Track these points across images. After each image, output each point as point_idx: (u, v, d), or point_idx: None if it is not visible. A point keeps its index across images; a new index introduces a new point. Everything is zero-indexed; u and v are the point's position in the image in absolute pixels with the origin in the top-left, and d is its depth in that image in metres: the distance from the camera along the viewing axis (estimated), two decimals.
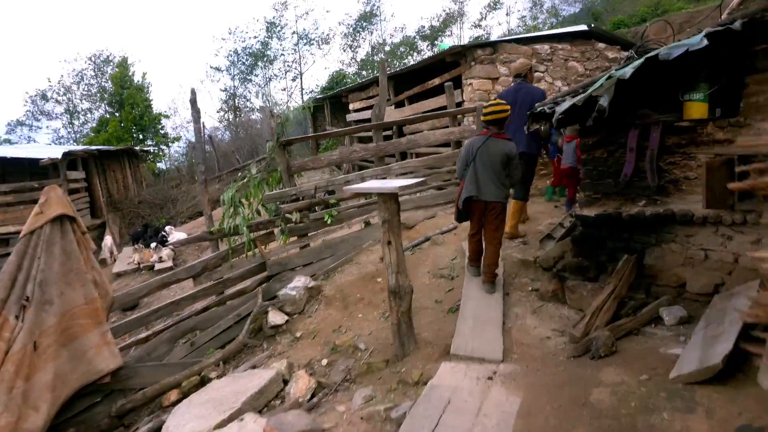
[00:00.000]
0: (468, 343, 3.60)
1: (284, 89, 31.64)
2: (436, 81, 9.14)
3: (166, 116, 27.23)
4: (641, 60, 3.41)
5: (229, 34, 31.57)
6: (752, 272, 3.45)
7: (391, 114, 11.87)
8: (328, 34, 30.51)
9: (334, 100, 17.96)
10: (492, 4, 27.50)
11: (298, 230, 5.58)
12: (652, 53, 3.38)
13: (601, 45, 8.47)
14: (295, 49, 30.13)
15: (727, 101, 3.56)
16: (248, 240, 5.11)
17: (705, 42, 3.06)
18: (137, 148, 21.74)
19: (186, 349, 4.99)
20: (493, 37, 20.64)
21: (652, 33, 5.10)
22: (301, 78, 30.64)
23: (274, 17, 29.39)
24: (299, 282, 5.19)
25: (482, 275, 4.26)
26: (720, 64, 3.50)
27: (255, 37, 29.68)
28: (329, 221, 5.62)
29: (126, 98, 24.82)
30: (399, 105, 11.64)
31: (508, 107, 4.07)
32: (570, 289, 4.05)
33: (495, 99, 4.24)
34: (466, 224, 4.48)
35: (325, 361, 4.20)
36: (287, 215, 5.32)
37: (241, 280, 5.27)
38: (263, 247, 5.42)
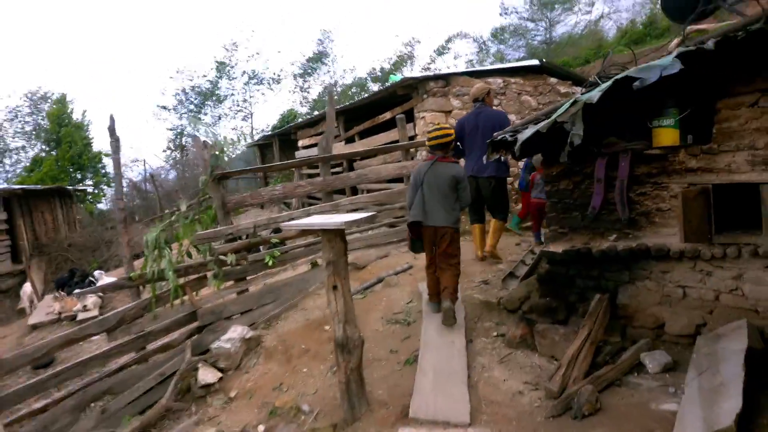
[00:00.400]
0: (429, 403, 3.10)
1: (234, 128, 31.17)
2: (387, 115, 8.90)
3: (107, 155, 25.99)
4: (609, 83, 3.15)
5: (177, 73, 31.05)
6: (735, 311, 3.18)
7: (341, 150, 11.54)
8: (279, 75, 30.56)
9: (283, 137, 17.53)
10: (440, 49, 28.30)
11: (234, 274, 4.99)
12: (622, 74, 3.13)
13: (553, 80, 8.51)
14: (245, 89, 30.12)
15: (699, 127, 3.36)
16: (175, 286, 4.46)
17: (678, 65, 2.84)
18: (71, 187, 20.41)
19: (96, 418, 4.22)
20: None
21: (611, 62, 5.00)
22: (251, 118, 30.31)
23: (224, 57, 29.32)
24: (235, 332, 4.56)
25: (441, 299, 4.00)
26: (690, 87, 3.30)
27: (204, 76, 29.41)
28: (271, 263, 5.07)
29: (63, 136, 23.63)
30: (349, 141, 11.34)
31: (452, 131, 4.04)
32: (540, 333, 3.66)
33: (438, 123, 4.27)
34: (423, 263, 4.28)
35: (262, 428, 3.59)
36: (221, 257, 4.72)
37: (167, 333, 4.60)
38: (194, 293, 4.78)
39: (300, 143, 14.89)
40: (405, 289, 5.18)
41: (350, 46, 50.66)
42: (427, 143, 4.14)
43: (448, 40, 28.49)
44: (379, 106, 9.30)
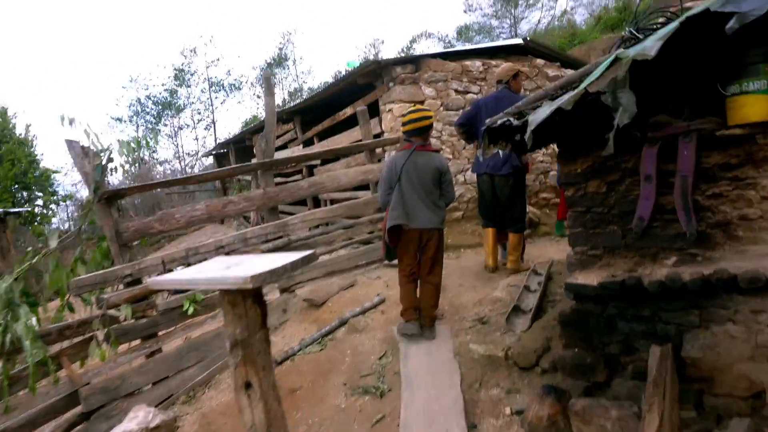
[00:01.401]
0: None
1: (196, 138, 29.95)
2: (349, 111, 7.70)
3: (56, 172, 24.35)
4: (674, 25, 2.02)
5: (131, 81, 29.66)
6: None
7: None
8: (239, 81, 29.77)
9: (238, 144, 16.13)
10: (405, 49, 27.65)
11: (138, 330, 3.69)
12: (698, 8, 1.99)
13: (540, 61, 7.45)
14: (206, 97, 29.39)
15: None
16: (44, 358, 3.13)
17: None
18: (1, 209, 18.56)
19: None
20: None
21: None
22: (214, 127, 29.04)
23: (183, 64, 28.49)
24: (135, 419, 3.26)
25: (422, 322, 3.64)
26: None
27: (162, 85, 28.58)
28: (191, 310, 3.78)
29: (5, 153, 21.72)
30: (309, 144, 10.07)
31: (431, 113, 3.60)
32: (580, 417, 2.48)
33: (414, 106, 3.72)
34: (397, 292, 3.84)
35: None
36: (111, 310, 3.41)
37: (32, 429, 3.24)
38: (73, 365, 3.44)
39: (256, 149, 13.51)
40: (375, 335, 3.96)
41: (313, 50, 49.55)
42: (402, 129, 3.64)
43: (413, 40, 28.07)
44: (340, 101, 8.09)
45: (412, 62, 6.51)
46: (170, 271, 3.73)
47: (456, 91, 6.75)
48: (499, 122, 2.75)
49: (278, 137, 11.68)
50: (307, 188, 4.86)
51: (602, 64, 2.30)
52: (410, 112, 3.56)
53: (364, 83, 6.82)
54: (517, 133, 2.85)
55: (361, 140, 6.01)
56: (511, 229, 4.97)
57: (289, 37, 29.44)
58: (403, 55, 26.25)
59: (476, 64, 6.87)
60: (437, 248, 3.59)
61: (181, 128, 29.74)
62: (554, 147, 5.98)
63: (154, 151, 29.25)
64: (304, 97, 26.77)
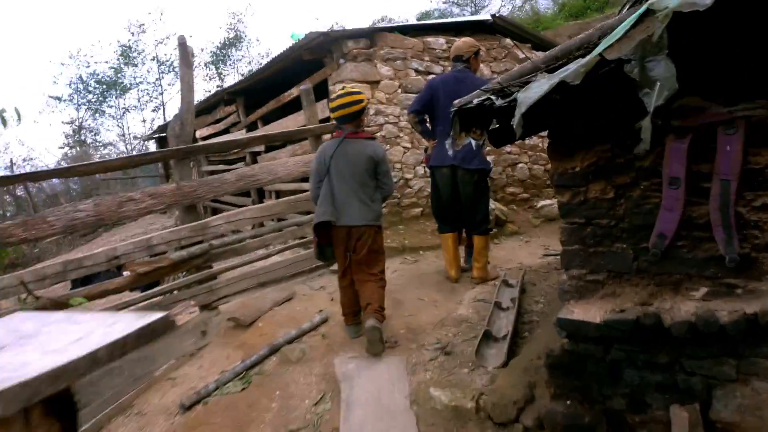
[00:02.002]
0: None
1: (143, 121, 28.23)
2: (295, 92, 6.83)
3: None
4: None
5: (70, 58, 27.56)
6: None
7: None
8: (191, 62, 27.53)
9: None
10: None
11: None
12: None
13: (509, 41, 6.80)
14: (156, 78, 27.71)
15: None
16: None
17: None
18: None
19: None
20: None
21: None
22: (164, 108, 27.40)
23: (129, 41, 26.78)
24: None
25: (362, 319, 3.34)
26: None
27: (106, 63, 26.91)
28: None
29: None
30: (253, 128, 9.13)
31: (363, 96, 3.28)
32: None
33: (344, 89, 3.36)
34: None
35: None
36: None
37: None
38: None
39: (198, 133, 12.43)
40: (313, 368, 3.21)
41: (271, 31, 47.70)
42: (331, 115, 3.35)
43: (373, 25, 27.00)
44: (287, 81, 7.21)
45: (367, 36, 5.72)
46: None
47: (416, 71, 6.02)
48: (474, 102, 2.03)
49: (220, 120, 10.70)
50: (234, 182, 4.02)
51: (626, 21, 1.63)
52: (339, 96, 3.23)
53: (312, 59, 5.98)
54: (495, 117, 2.14)
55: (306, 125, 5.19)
56: (475, 232, 4.39)
57: (239, 17, 28.08)
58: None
59: (439, 41, 6.15)
60: (371, 249, 3.27)
61: (127, 110, 28.24)
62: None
63: (96, 133, 27.85)
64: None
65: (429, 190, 5.51)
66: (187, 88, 3.78)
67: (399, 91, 5.93)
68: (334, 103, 3.24)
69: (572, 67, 1.69)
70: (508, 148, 6.94)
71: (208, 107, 11.23)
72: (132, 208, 3.33)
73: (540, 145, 7.24)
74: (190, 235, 3.65)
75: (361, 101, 3.23)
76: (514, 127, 1.80)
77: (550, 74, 1.82)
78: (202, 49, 28.57)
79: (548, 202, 6.73)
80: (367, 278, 3.31)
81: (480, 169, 4.15)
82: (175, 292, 3.82)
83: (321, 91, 6.62)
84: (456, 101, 2.17)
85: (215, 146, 5.19)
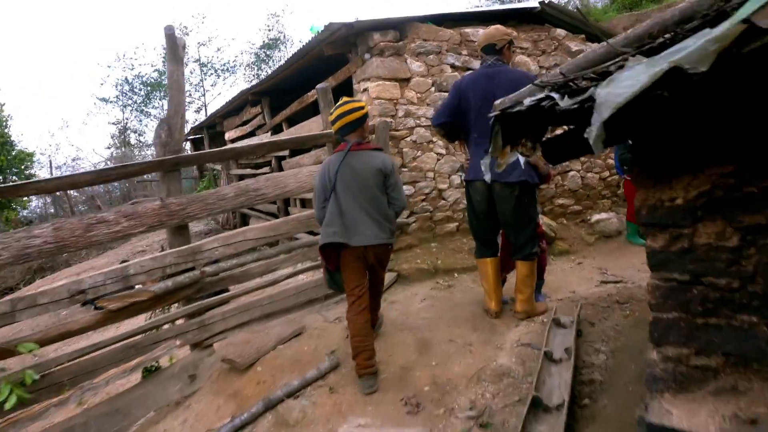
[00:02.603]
0: None
1: (186, 122, 28.53)
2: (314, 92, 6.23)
3: (30, 155, 23.16)
4: None
5: (117, 60, 28.32)
6: None
7: None
8: (233, 64, 28.40)
9: (213, 130, 14.64)
10: None
11: None
12: None
13: (560, 32, 6.02)
14: (199, 79, 27.86)
15: None
16: None
17: None
18: None
19: None
20: None
21: None
22: (206, 110, 27.79)
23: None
24: None
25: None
26: None
27: (151, 65, 27.45)
28: (13, 401, 2.37)
29: None
30: (278, 130, 8.64)
31: (363, 104, 3.04)
32: None
33: (343, 98, 3.09)
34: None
35: None
36: None
37: None
38: None
39: (227, 136, 12.11)
40: None
41: (307, 30, 47.73)
42: (332, 128, 3.10)
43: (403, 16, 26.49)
44: (309, 80, 6.66)
45: (396, 27, 5.08)
46: None
47: (452, 66, 5.34)
48: (526, 102, 1.36)
49: (246, 122, 10.27)
50: (232, 197, 3.44)
51: None
52: (337, 107, 3.04)
53: (335, 54, 5.39)
54: (556, 124, 1.47)
55: (324, 129, 4.59)
56: (518, 257, 3.68)
57: (277, 18, 28.16)
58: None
59: (480, 32, 5.43)
60: (386, 267, 3.18)
61: None
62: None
63: (140, 134, 28.37)
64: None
65: (465, 201, 4.84)
66: (176, 87, 3.23)
67: (432, 89, 5.26)
68: (332, 115, 3.05)
69: (691, 44, 1.02)
70: None
71: (235, 108, 10.84)
72: (103, 232, 2.80)
73: None
74: (178, 261, 3.10)
75: (361, 108, 3.02)
76: (591, 139, 1.14)
77: (649, 58, 1.16)
78: (242, 52, 28.64)
79: (604, 216, 5.91)
80: (377, 299, 3.28)
81: (522, 182, 3.43)
82: (167, 326, 3.29)
83: (345, 91, 6.04)
84: (497, 102, 1.52)
85: (209, 156, 4.57)
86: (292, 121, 8.42)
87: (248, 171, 10.42)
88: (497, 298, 3.80)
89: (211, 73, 28.30)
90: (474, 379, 2.91)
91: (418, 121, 5.17)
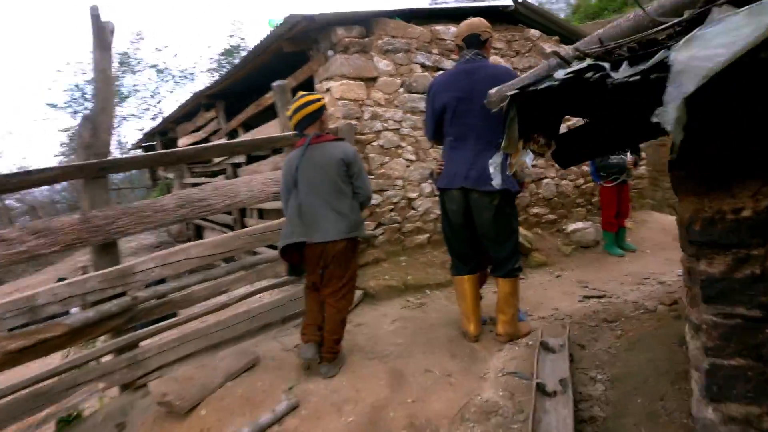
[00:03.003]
0: None
1: (141, 129, 27.79)
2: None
3: None
4: None
5: (67, 65, 27.27)
6: None
7: None
8: (191, 70, 27.78)
9: (166, 136, 13.91)
10: None
11: None
12: None
13: (535, 32, 5.76)
14: (153, 85, 27.05)
15: None
16: None
17: None
18: None
19: None
20: None
21: None
22: (162, 117, 26.76)
23: (127, 49, 26.36)
24: None
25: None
26: None
27: None
28: None
29: None
30: (233, 135, 8.12)
31: (320, 96, 3.02)
32: None
33: (299, 93, 3.04)
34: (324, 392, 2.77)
35: None
36: None
37: None
38: None
39: (180, 142, 11.45)
40: None
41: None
42: (290, 124, 3.04)
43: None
44: (268, 80, 6.18)
45: (362, 23, 4.69)
46: None
47: (423, 66, 4.98)
48: (561, 75, 0.97)
49: (200, 128, 9.68)
50: (173, 209, 2.95)
51: None
52: (293, 102, 2.99)
53: (295, 51, 4.95)
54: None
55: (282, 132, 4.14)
56: (498, 273, 3.33)
57: (240, 25, 27.69)
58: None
59: (451, 30, 5.12)
60: (344, 263, 2.94)
61: (125, 118, 27.25)
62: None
63: None
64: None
65: (437, 211, 4.45)
66: (103, 79, 2.73)
67: (401, 90, 4.88)
68: (289, 111, 3.01)
69: None
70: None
71: (188, 113, 10.22)
72: (1, 254, 2.28)
73: None
74: (103, 287, 2.59)
75: (317, 101, 2.98)
76: (668, 123, 0.77)
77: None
78: (201, 57, 27.97)
79: (581, 225, 5.65)
80: (333, 303, 2.99)
81: (502, 191, 3.05)
82: (92, 364, 2.76)
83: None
84: (512, 82, 1.13)
85: (144, 160, 3.91)
86: (250, 126, 7.92)
87: (203, 180, 9.81)
88: (476, 319, 3.43)
89: (169, 79, 27.47)
90: (457, 418, 2.51)
91: (385, 124, 4.78)
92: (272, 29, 4.65)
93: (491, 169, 1.40)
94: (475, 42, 3.25)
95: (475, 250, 3.42)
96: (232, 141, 3.38)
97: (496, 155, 1.37)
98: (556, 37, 5.94)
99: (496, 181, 3.02)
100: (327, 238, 2.83)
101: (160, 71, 27.14)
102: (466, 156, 3.16)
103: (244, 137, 7.29)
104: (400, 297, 4.44)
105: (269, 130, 6.23)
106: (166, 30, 47.99)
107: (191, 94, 8.43)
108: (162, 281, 3.21)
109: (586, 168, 6.31)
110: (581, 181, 6.27)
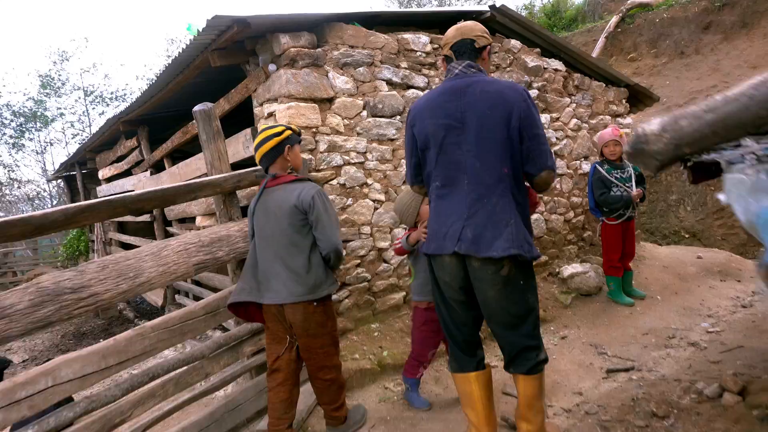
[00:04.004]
0: None
1: (69, 155, 25.75)
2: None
3: None
4: None
5: None
6: None
7: (144, 187, 7.07)
8: (123, 91, 26.55)
9: (86, 167, 12.36)
10: None
11: None
12: None
13: (516, 44, 4.93)
14: (82, 108, 25.62)
15: None
16: None
17: None
18: None
19: None
20: None
21: None
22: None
23: (50, 70, 24.88)
24: None
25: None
26: None
27: (24, 94, 26.90)
28: None
29: None
30: (160, 168, 6.91)
31: (281, 128, 2.60)
32: None
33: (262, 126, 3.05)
34: None
35: None
36: None
37: None
38: None
39: (100, 174, 10.06)
40: None
41: None
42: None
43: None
44: (197, 102, 5.09)
45: (312, 29, 3.71)
46: None
47: (390, 83, 4.04)
48: None
49: (122, 158, 8.37)
50: (25, 311, 1.84)
51: None
52: (260, 132, 2.61)
53: (227, 66, 3.91)
54: None
55: (210, 172, 3.07)
56: (517, 369, 2.39)
57: (179, 43, 26.31)
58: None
59: (422, 40, 4.21)
60: (317, 332, 2.50)
61: (51, 143, 25.79)
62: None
63: (11, 170, 25.05)
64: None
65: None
66: None
67: (364, 113, 3.92)
68: (255, 142, 2.63)
69: None
70: None
71: (108, 141, 8.86)
72: None
73: (557, 187, 5.37)
74: None
75: (278, 134, 2.57)
76: None
77: None
78: (137, 77, 26.56)
79: (579, 269, 4.81)
80: (318, 375, 2.62)
81: (513, 257, 2.15)
82: None
83: (247, 118, 4.63)
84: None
85: None
86: (178, 157, 6.76)
87: (133, 240, 8.43)
88: (489, 424, 2.47)
89: (98, 102, 25.97)
90: None
91: (346, 157, 3.80)
92: (194, 37, 3.59)
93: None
94: (467, 51, 2.37)
95: (474, 341, 2.50)
96: (123, 195, 2.28)
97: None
98: (538, 50, 5.17)
99: (503, 245, 2.13)
100: (278, 299, 2.46)
101: (88, 93, 25.68)
102: (458, 208, 2.23)
103: (169, 171, 6.12)
104: (376, 383, 3.41)
105: (198, 163, 5.12)
106: (97, 50, 45.40)
107: (105, 121, 7.15)
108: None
109: (576, 199, 5.53)
110: (571, 214, 5.48)
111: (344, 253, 2.75)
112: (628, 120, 6.32)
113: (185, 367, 2.52)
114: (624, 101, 6.26)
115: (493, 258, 2.12)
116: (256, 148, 2.59)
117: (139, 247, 2.38)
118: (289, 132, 2.60)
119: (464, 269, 2.26)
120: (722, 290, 5.02)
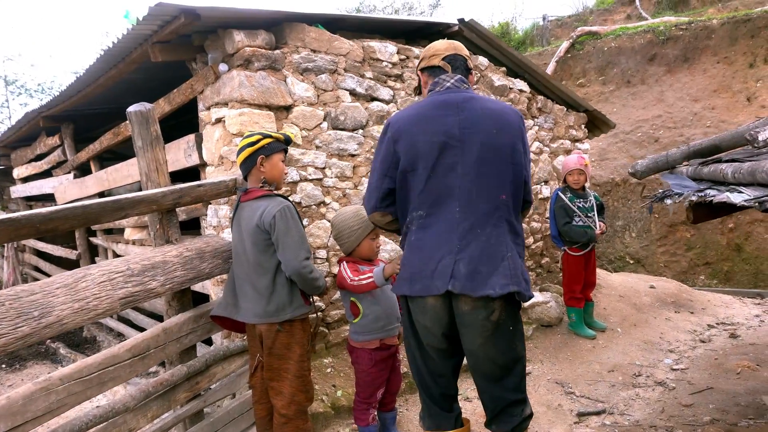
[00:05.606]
0: None
1: None
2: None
3: None
4: None
5: None
6: None
7: (66, 191, 6.40)
8: (51, 84, 24.34)
9: (1, 164, 11.23)
10: None
11: None
12: None
13: (483, 61, 4.75)
14: (4, 99, 23.68)
15: None
16: None
17: None
18: None
19: None
20: None
21: None
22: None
23: None
24: None
25: None
26: None
27: None
28: None
29: None
30: (85, 171, 6.24)
31: (257, 137, 2.41)
32: None
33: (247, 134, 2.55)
34: None
35: None
36: None
37: None
38: None
39: (16, 173, 9.13)
40: None
41: None
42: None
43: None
44: (139, 98, 4.56)
45: (270, 27, 3.35)
46: None
47: (353, 93, 3.73)
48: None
49: (41, 157, 7.58)
50: None
51: None
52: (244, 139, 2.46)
53: (171, 62, 3.47)
54: None
55: (144, 180, 2.64)
56: (501, 426, 2.09)
57: (115, 37, 25.09)
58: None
59: (389, 50, 3.92)
60: (280, 354, 2.38)
61: None
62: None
63: None
64: None
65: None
66: None
67: (324, 125, 3.57)
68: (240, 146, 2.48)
69: None
70: None
71: (26, 137, 8.00)
72: None
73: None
74: None
75: (252, 144, 2.37)
76: None
77: None
78: (73, 73, 24.87)
79: (540, 298, 4.65)
80: (277, 408, 2.40)
81: (505, 297, 1.91)
82: None
83: (192, 123, 4.20)
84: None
85: None
86: (107, 158, 6.15)
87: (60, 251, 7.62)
88: None
89: (21, 93, 23.77)
90: None
91: (303, 173, 3.44)
92: (132, 27, 3.13)
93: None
94: (461, 66, 2.16)
95: (452, 395, 2.22)
96: (20, 216, 1.83)
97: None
98: (504, 68, 5.02)
99: (500, 281, 1.90)
100: (246, 318, 2.44)
101: (9, 82, 23.50)
102: (447, 239, 1.95)
103: (96, 176, 5.51)
104: (330, 428, 3.05)
105: (129, 169, 4.59)
106: (24, 38, 42.44)
107: (23, 114, 6.41)
108: None
109: (535, 224, 5.41)
110: (531, 240, 5.35)
111: (315, 275, 2.37)
112: (586, 145, 6.31)
113: (101, 425, 2.07)
114: (583, 126, 6.24)
115: (490, 297, 1.85)
116: (244, 148, 2.43)
117: (56, 256, 1.91)
118: (266, 141, 2.40)
119: (450, 313, 1.97)
120: (678, 322, 5.00)
